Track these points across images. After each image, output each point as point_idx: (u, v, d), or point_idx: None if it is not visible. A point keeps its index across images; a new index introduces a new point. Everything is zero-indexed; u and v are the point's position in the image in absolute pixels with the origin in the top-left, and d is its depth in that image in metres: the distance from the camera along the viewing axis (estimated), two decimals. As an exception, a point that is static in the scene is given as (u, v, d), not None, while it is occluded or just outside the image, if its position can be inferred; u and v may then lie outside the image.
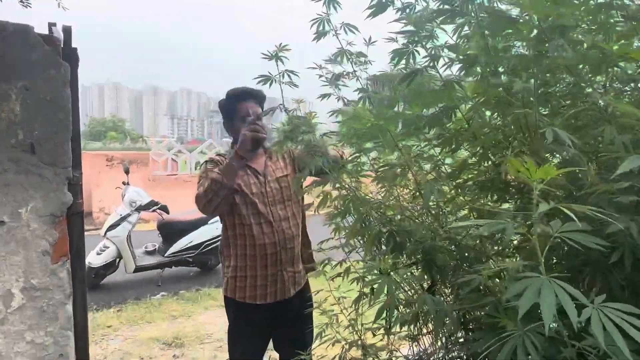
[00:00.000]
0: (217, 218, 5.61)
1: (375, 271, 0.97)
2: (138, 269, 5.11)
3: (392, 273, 1.42)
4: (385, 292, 1.01)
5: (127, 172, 5.48)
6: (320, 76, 1.33)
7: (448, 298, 1.42)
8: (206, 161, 2.02)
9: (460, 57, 0.93)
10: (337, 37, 1.26)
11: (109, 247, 5.00)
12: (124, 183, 5.55)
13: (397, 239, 1.24)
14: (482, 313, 0.92)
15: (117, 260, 5.14)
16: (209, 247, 5.48)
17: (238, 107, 1.96)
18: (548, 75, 0.81)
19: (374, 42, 1.33)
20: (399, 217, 1.37)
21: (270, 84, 1.38)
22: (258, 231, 1.88)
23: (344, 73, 1.35)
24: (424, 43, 1.13)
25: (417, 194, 1.37)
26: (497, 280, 0.97)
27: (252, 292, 1.91)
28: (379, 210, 1.42)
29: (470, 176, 1.35)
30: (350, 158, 1.43)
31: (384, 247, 1.39)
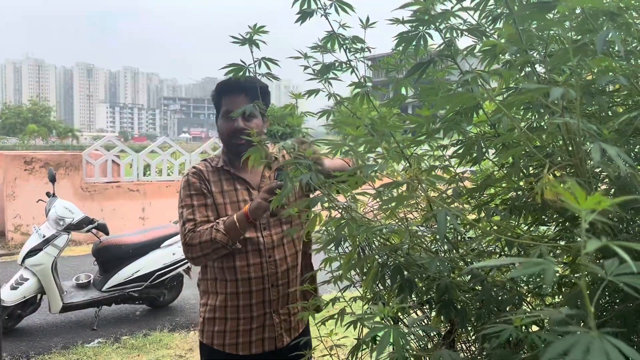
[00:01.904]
0: (173, 240, 5.63)
1: (377, 319, 0.99)
2: (66, 308, 5.04)
3: (399, 319, 1.44)
4: (391, 342, 1.02)
5: (52, 179, 5.43)
6: (305, 68, 1.35)
7: (472, 348, 1.44)
8: (188, 176, 2.05)
9: (485, 45, 0.95)
10: (327, 18, 1.28)
11: (27, 280, 4.95)
12: (48, 194, 5.51)
13: (405, 274, 1.26)
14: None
15: (39, 296, 5.09)
16: (162, 278, 5.48)
17: (222, 104, 2.01)
18: (594, 71, 0.84)
19: (372, 24, 1.35)
20: (406, 245, 1.40)
21: (243, 75, 1.39)
22: (242, 262, 1.94)
23: (336, 63, 1.37)
24: (437, 24, 1.15)
25: (430, 216, 1.39)
26: (534, 329, 0.99)
27: (232, 340, 1.97)
28: (381, 236, 1.44)
29: (494, 192, 1.38)
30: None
31: (388, 283, 1.41)
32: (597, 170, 0.89)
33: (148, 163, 10.09)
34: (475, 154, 1.23)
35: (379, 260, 1.34)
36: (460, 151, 1.27)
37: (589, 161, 0.88)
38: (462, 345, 1.45)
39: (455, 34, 1.25)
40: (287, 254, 2.00)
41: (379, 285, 1.48)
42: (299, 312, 2.00)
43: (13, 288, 4.87)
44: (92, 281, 5.40)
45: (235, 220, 1.88)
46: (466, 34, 1.21)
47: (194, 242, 1.91)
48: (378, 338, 1.33)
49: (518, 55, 0.93)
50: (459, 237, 1.50)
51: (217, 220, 1.92)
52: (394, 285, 1.30)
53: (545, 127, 1.14)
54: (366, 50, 1.49)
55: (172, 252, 5.51)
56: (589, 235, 0.63)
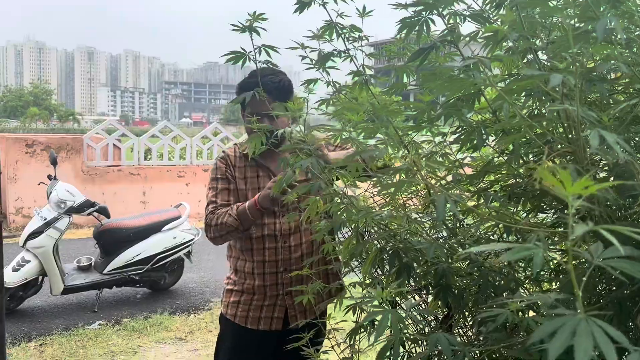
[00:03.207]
0: (174, 224, 5.65)
1: (376, 302, 1.00)
2: (68, 290, 5.07)
3: (397, 304, 1.46)
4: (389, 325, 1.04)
5: (53, 162, 5.43)
6: (303, 58, 1.36)
7: (469, 333, 1.46)
8: (217, 159, 2.18)
9: (487, 31, 0.96)
10: (325, 7, 1.28)
11: (29, 262, 4.97)
12: (49, 177, 5.49)
13: (404, 259, 1.28)
14: (511, 357, 0.95)
15: (40, 278, 5.11)
16: (163, 262, 5.49)
17: (248, 103, 2.00)
18: (597, 59, 0.84)
19: (370, 12, 1.35)
20: (405, 230, 1.41)
21: (243, 63, 1.40)
22: (258, 245, 2.07)
23: (335, 52, 1.37)
24: (441, 9, 1.15)
25: (429, 202, 1.40)
26: (529, 314, 1.00)
27: (244, 312, 2.10)
28: (380, 222, 1.45)
29: (494, 179, 1.38)
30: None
31: (386, 268, 1.43)
32: (597, 157, 0.89)
33: (149, 147, 10.06)
34: (475, 141, 1.23)
35: (378, 245, 1.35)
36: (461, 138, 1.28)
37: (587, 148, 0.89)
38: (460, 330, 1.47)
39: (458, 20, 1.25)
40: (302, 239, 2.09)
41: (377, 270, 1.50)
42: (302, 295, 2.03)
43: (15, 270, 4.89)
44: (93, 264, 5.42)
45: (246, 208, 1.99)
46: (469, 19, 1.21)
47: (211, 224, 2.04)
48: (376, 321, 1.35)
49: (520, 41, 0.93)
50: (457, 224, 1.51)
51: (232, 206, 2.04)
52: (392, 270, 1.31)
53: (545, 114, 1.15)
54: (364, 38, 1.49)
55: (173, 235, 5.53)
56: (576, 220, 0.64)
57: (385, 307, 1.01)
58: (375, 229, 1.46)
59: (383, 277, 1.49)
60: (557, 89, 0.72)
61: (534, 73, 0.70)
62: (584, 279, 0.60)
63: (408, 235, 1.41)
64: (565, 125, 0.86)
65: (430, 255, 1.12)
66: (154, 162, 10.03)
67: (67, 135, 10.99)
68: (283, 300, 2.08)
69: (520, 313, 0.96)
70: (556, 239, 1.06)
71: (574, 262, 0.59)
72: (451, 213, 1.14)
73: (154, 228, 5.50)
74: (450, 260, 1.26)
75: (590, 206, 0.59)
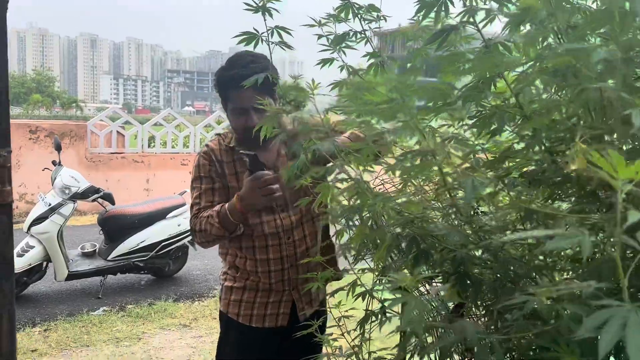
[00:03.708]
0: (179, 211, 5.64)
1: (398, 288, 0.97)
2: (72, 276, 5.09)
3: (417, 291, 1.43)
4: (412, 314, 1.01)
5: (58, 148, 5.42)
6: (320, 36, 1.31)
7: (479, 322, 1.43)
8: (199, 155, 2.00)
9: (521, 4, 0.92)
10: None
11: (33, 247, 4.98)
12: (54, 163, 5.49)
13: (422, 246, 1.24)
14: (534, 347, 0.93)
15: (45, 264, 5.12)
16: (167, 249, 5.50)
17: (229, 98, 1.91)
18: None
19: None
20: (421, 217, 1.37)
21: (256, 44, 1.36)
22: (260, 243, 1.93)
23: (350, 33, 1.33)
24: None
25: (445, 189, 1.37)
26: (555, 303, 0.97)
27: (247, 311, 1.98)
28: (395, 208, 1.41)
29: (513, 165, 1.34)
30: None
31: (400, 256, 1.40)
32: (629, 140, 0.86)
33: (153, 135, 10.04)
34: (494, 126, 1.19)
35: (394, 231, 1.32)
36: (479, 123, 1.24)
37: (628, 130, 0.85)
38: (471, 319, 1.44)
39: (477, 1, 1.21)
40: (306, 232, 1.98)
41: (392, 257, 1.47)
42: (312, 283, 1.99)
43: (19, 255, 4.88)
44: (97, 250, 5.43)
45: (227, 213, 1.81)
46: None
47: (196, 229, 1.90)
48: (388, 310, 1.32)
49: (550, 20, 0.90)
50: (472, 212, 1.48)
51: (212, 210, 1.86)
52: (409, 256, 1.28)
53: (569, 98, 1.11)
54: (382, 19, 1.45)
55: (177, 223, 5.52)
56: (627, 206, 0.60)
57: (408, 293, 0.99)
58: (390, 214, 1.43)
59: (395, 264, 1.46)
60: (596, 67, 0.69)
61: (575, 47, 0.66)
62: (630, 269, 0.57)
63: (423, 222, 1.37)
64: (599, 107, 0.83)
65: (451, 241, 1.09)
66: (158, 149, 9.99)
67: (71, 121, 10.97)
68: (289, 295, 1.97)
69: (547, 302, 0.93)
70: (577, 225, 1.03)
71: (616, 254, 0.56)
72: (473, 198, 1.11)
73: (159, 215, 5.50)
74: (467, 248, 1.23)
75: (637, 190, 0.56)
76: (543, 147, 1.18)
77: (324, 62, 1.38)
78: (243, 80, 1.70)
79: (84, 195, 5.19)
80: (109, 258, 5.25)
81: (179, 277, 5.83)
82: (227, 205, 1.83)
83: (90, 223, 8.03)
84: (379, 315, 1.43)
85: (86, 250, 5.41)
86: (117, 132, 9.65)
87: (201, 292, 5.43)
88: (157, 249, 5.41)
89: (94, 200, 5.26)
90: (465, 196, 0.79)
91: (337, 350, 1.47)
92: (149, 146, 9.99)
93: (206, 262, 6.38)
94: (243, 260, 1.97)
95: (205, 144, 2.02)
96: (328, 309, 1.77)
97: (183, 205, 5.67)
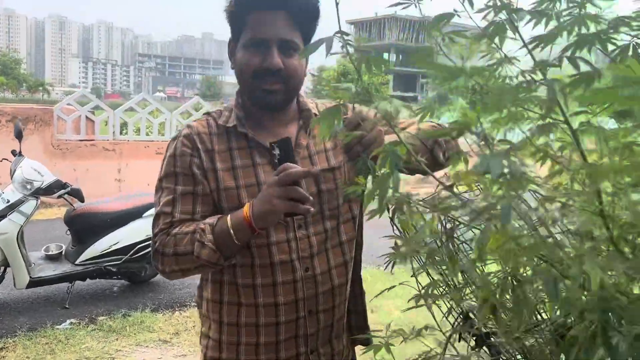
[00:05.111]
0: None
1: None
2: (34, 283, 4.66)
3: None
4: None
5: (19, 135, 4.97)
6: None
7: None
8: (177, 140, 1.39)
9: None
10: None
11: (-11, 250, 4.58)
12: (14, 153, 5.05)
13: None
14: None
15: (2, 269, 4.71)
16: (143, 252, 5.05)
17: (246, 25, 1.32)
18: None
19: None
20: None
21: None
22: (265, 279, 1.30)
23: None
24: None
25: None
26: None
27: None
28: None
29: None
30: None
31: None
32: None
33: (125, 121, 9.72)
34: None
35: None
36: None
37: None
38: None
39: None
40: (331, 264, 1.34)
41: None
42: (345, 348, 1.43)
43: (-28, 260, 4.49)
44: (64, 253, 5.03)
45: (229, 229, 1.22)
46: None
47: (166, 251, 1.28)
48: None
49: None
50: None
51: (203, 223, 1.26)
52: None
53: None
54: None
55: (156, 222, 5.08)
56: None
57: None
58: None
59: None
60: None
61: None
62: None
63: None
64: None
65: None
66: (131, 137, 9.66)
67: (36, 105, 10.57)
68: (306, 358, 1.36)
69: None
70: None
71: None
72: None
73: (134, 213, 5.08)
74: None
75: None
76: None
77: (440, 18, 0.82)
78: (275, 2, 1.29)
79: (48, 190, 4.79)
80: (78, 262, 4.85)
81: (156, 283, 5.42)
82: (230, 217, 1.24)
83: (56, 217, 7.60)
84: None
85: (51, 253, 5.01)
86: (86, 117, 9.26)
87: (182, 300, 5.02)
88: (132, 251, 5.01)
89: (59, 196, 4.84)
90: None
91: None
92: (121, 133, 9.63)
93: (186, 264, 5.94)
94: (235, 308, 1.34)
95: (186, 124, 1.41)
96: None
97: (162, 202, 5.23)
